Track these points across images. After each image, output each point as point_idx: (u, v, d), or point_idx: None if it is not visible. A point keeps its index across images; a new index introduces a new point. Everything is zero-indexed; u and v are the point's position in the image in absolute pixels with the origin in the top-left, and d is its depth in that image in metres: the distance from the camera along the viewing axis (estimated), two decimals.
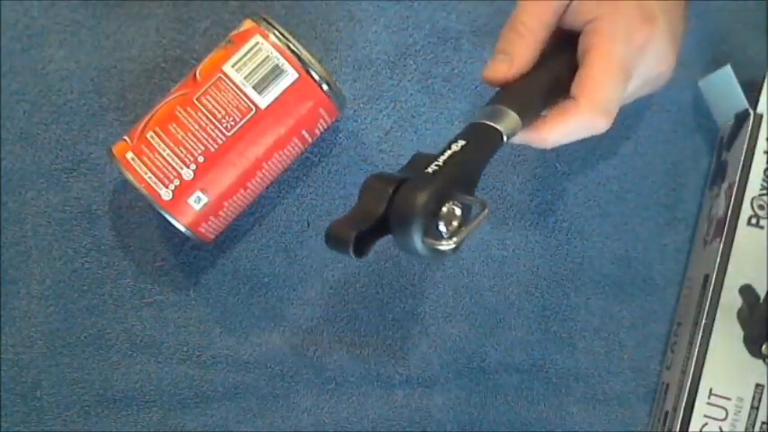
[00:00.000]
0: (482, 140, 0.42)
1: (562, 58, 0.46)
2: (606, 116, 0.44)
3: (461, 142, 0.42)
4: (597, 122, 0.44)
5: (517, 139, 0.44)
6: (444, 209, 0.40)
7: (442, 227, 0.40)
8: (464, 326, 0.56)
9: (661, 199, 0.58)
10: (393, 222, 0.40)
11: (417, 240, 0.39)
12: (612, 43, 0.43)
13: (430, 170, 0.40)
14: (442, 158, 0.41)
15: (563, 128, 0.44)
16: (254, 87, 0.48)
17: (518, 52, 0.44)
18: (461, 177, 0.41)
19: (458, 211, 0.41)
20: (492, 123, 0.43)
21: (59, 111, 0.56)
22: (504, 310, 0.57)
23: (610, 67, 0.43)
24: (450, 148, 0.41)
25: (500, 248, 0.57)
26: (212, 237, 0.51)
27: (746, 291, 0.53)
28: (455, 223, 0.41)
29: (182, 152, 0.48)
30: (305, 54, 0.48)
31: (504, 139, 0.43)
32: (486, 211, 0.40)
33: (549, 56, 0.46)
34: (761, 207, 0.54)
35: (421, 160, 0.41)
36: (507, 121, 0.43)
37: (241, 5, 0.57)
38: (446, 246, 0.39)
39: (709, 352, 0.53)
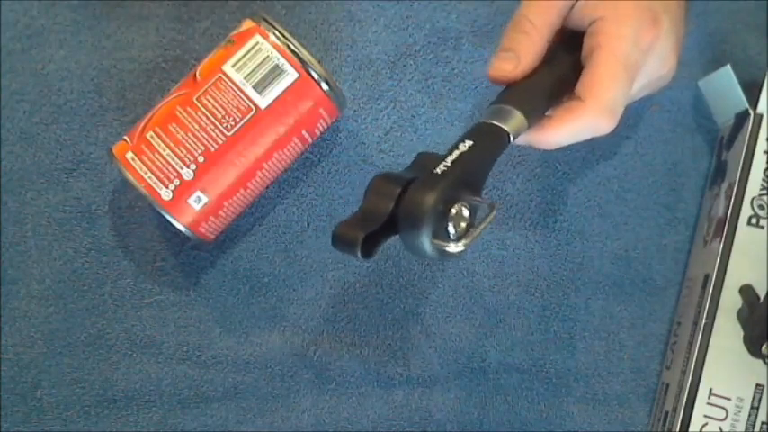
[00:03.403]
0: (489, 141, 0.42)
1: (566, 58, 0.45)
2: (612, 117, 0.43)
3: (468, 142, 0.41)
4: (602, 123, 0.44)
5: (521, 140, 0.44)
6: (453, 210, 0.39)
7: (450, 228, 0.40)
8: (464, 326, 0.56)
9: (661, 199, 0.58)
10: (401, 223, 0.39)
11: (426, 242, 0.38)
12: (619, 44, 0.43)
13: (438, 170, 0.40)
14: (449, 159, 0.40)
15: (568, 128, 0.44)
16: (254, 87, 0.48)
17: (524, 50, 0.44)
18: (469, 178, 0.41)
19: (465, 213, 0.40)
20: (499, 124, 0.42)
21: (59, 111, 0.56)
22: (504, 310, 0.57)
23: (616, 68, 0.43)
24: (457, 148, 0.41)
25: (500, 248, 0.57)
26: (212, 237, 0.51)
27: (746, 291, 0.53)
28: (463, 224, 0.40)
29: (182, 152, 0.48)
30: (305, 54, 0.48)
31: (511, 139, 0.42)
32: (494, 212, 0.40)
33: (554, 56, 0.46)
34: (761, 207, 0.54)
35: (427, 160, 0.41)
36: (514, 122, 0.42)
37: (241, 5, 0.57)
38: (455, 248, 0.39)
39: (709, 352, 0.53)
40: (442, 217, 0.39)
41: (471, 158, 0.41)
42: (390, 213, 0.39)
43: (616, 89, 0.43)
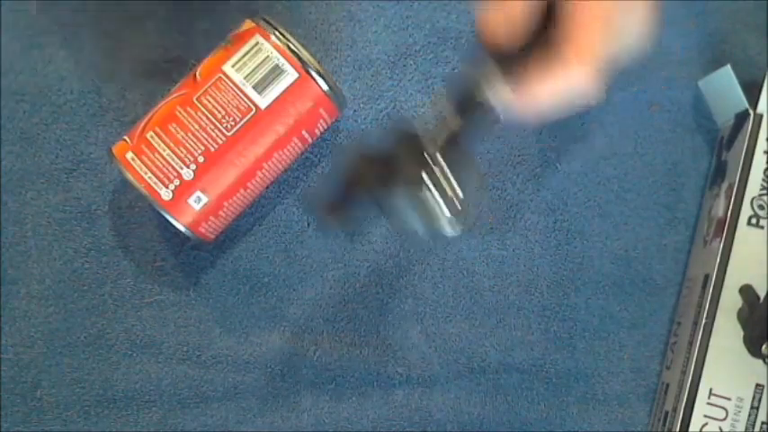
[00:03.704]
0: (479, 118, 0.41)
1: (549, 25, 0.45)
2: (594, 71, 0.43)
3: (458, 119, 0.41)
4: (585, 79, 0.43)
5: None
6: (448, 191, 0.39)
7: (444, 209, 0.40)
8: (464, 326, 0.56)
9: (661, 199, 0.58)
10: (393, 204, 0.39)
11: (420, 223, 0.39)
12: (601, 2, 0.42)
13: (429, 150, 0.39)
14: (439, 138, 0.40)
15: (549, 87, 0.42)
16: (254, 87, 0.48)
17: (512, 4, 0.43)
18: (459, 156, 0.40)
19: (459, 192, 0.40)
20: (488, 100, 0.41)
21: (59, 111, 0.56)
22: (504, 310, 0.57)
23: (597, 21, 0.42)
24: (446, 125, 0.40)
25: (500, 248, 0.57)
26: (212, 237, 0.51)
27: (746, 291, 0.53)
28: (458, 204, 0.40)
29: (182, 152, 0.48)
30: (305, 54, 0.48)
31: (501, 117, 0.42)
32: (486, 189, 0.40)
33: (537, 24, 0.45)
34: (761, 207, 0.54)
35: (406, 134, 0.40)
36: (501, 95, 0.42)
37: (241, 5, 0.57)
38: (452, 232, 0.39)
39: (709, 352, 0.53)
40: (435, 197, 0.39)
41: (461, 136, 0.40)
42: (375, 192, 0.39)
43: (598, 43, 0.42)
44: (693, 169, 0.58)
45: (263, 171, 0.50)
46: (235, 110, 0.48)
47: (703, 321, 0.53)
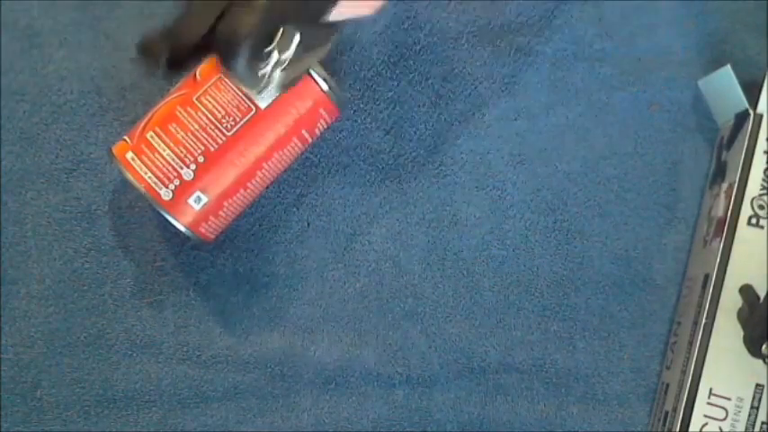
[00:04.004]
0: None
1: None
2: None
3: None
4: None
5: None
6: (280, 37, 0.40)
7: (274, 55, 0.40)
8: (464, 326, 0.56)
9: (661, 199, 0.58)
10: (218, 45, 0.40)
11: (242, 65, 0.39)
12: None
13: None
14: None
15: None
16: None
17: None
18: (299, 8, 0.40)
19: (294, 41, 0.41)
20: None
21: (59, 111, 0.56)
22: (504, 310, 0.57)
23: None
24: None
25: (500, 248, 0.57)
26: (212, 237, 0.51)
27: (746, 291, 0.53)
28: (289, 53, 0.41)
29: (182, 152, 0.48)
30: None
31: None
32: (329, 44, 0.41)
33: None
34: (761, 207, 0.54)
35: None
36: None
37: None
38: (264, 69, 0.40)
39: (709, 352, 0.52)
40: (263, 43, 0.40)
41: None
42: (206, 35, 0.40)
43: None
44: (693, 169, 0.58)
45: (263, 171, 0.50)
46: (235, 110, 0.48)
47: (703, 321, 0.53)
